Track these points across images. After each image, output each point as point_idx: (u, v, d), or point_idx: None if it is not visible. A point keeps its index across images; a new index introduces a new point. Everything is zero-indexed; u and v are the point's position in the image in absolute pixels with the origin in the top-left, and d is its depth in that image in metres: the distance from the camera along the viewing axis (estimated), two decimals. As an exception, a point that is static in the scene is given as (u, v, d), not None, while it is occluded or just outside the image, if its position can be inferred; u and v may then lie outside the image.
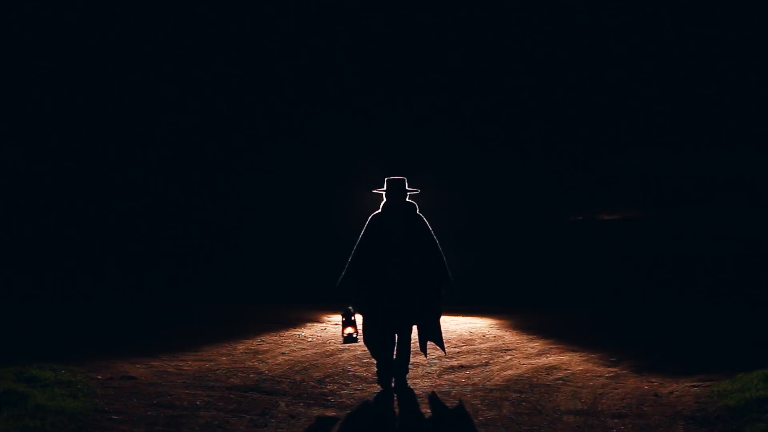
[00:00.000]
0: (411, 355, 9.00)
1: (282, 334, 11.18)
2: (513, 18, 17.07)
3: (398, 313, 8.75)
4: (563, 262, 15.18)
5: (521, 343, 10.69)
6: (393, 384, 8.68)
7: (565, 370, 9.23)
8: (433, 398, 8.02)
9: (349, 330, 11.83)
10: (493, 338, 11.03)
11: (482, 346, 10.50)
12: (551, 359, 9.74)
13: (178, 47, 16.83)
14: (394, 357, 8.89)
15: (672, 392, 8.26)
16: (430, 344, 9.51)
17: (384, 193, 9.02)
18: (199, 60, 16.88)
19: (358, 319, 9.53)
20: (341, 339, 11.66)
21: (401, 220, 8.89)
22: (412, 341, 9.17)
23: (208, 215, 16.59)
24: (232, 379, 8.55)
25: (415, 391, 8.23)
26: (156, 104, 16.80)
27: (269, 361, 9.48)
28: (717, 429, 7.02)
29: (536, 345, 10.55)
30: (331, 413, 7.47)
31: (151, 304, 13.40)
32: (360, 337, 11.48)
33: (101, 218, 16.29)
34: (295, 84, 16.99)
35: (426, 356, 9.12)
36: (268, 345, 10.35)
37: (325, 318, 12.34)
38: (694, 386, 8.42)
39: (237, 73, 17.01)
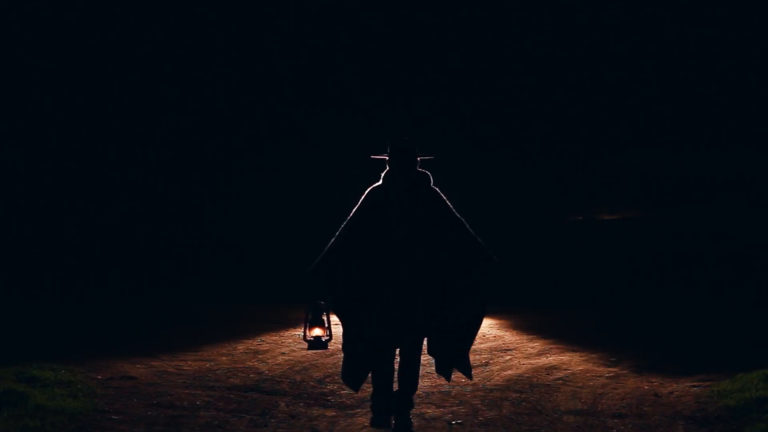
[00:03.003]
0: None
1: (282, 334, 11.18)
2: (513, 18, 17.07)
3: (403, 316, 6.88)
4: (563, 262, 15.18)
5: (521, 343, 10.69)
6: (393, 423, 6.95)
7: (565, 370, 9.23)
8: (433, 398, 8.01)
9: (316, 332, 10.19)
10: (493, 338, 11.03)
11: (482, 346, 10.49)
12: (551, 359, 9.74)
13: (178, 47, 16.83)
14: (394, 383, 7.02)
15: (672, 392, 8.26)
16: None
17: (387, 160, 7.12)
18: (199, 60, 16.88)
19: (334, 320, 8.21)
20: (306, 343, 9.90)
21: (410, 195, 6.99)
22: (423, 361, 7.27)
23: (208, 215, 16.59)
24: (232, 379, 8.55)
25: (417, 391, 8.22)
26: (156, 104, 16.80)
27: (269, 361, 9.48)
28: (717, 429, 7.02)
29: (536, 345, 10.55)
30: (331, 413, 7.47)
31: (151, 304, 13.40)
32: (331, 342, 9.99)
33: (101, 218, 16.29)
34: (295, 84, 16.99)
35: (449, 380, 7.26)
36: (268, 345, 10.35)
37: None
38: (694, 386, 8.42)
39: (237, 73, 17.00)
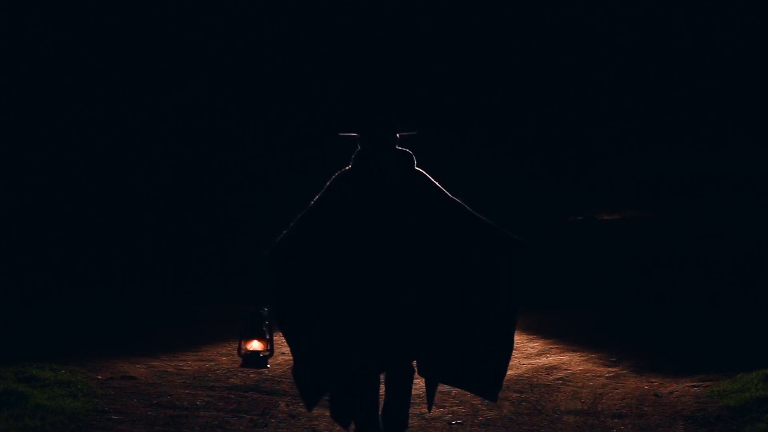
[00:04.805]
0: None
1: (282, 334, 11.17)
2: (512, 17, 17.08)
3: (389, 334, 5.52)
4: (563, 262, 15.16)
5: (521, 343, 10.69)
6: None
7: (565, 370, 9.23)
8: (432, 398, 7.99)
9: (254, 345, 8.79)
10: (493, 338, 11.01)
11: (482, 346, 10.47)
12: (551, 359, 9.74)
13: (179, 46, 16.84)
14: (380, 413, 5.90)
15: (672, 392, 8.26)
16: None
17: (359, 137, 5.72)
18: (201, 59, 16.89)
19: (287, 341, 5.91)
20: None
21: (389, 180, 5.63)
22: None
23: (208, 214, 16.59)
24: (232, 379, 8.54)
25: (415, 391, 8.22)
26: (156, 103, 16.81)
27: (269, 361, 9.46)
28: (717, 429, 7.02)
29: (536, 345, 10.55)
30: (331, 413, 7.45)
31: (151, 304, 13.40)
32: (273, 363, 8.65)
33: (101, 218, 16.29)
34: (295, 83, 17.00)
35: (492, 399, 6.00)
36: (268, 345, 10.33)
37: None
38: (694, 386, 8.42)
39: (238, 73, 17.01)
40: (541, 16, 17.12)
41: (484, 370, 5.78)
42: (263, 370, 8.95)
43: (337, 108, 16.82)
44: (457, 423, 7.21)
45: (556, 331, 11.44)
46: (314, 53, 17.05)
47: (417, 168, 5.80)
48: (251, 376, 8.71)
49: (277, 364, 9.28)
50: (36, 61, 16.57)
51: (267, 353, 8.90)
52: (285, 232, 5.75)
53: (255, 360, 8.80)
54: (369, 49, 17.03)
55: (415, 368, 6.03)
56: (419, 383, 8.42)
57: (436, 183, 5.81)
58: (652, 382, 8.67)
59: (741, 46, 16.78)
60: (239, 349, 8.97)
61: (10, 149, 16.36)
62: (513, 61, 17.09)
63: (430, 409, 6.25)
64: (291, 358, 9.60)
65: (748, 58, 16.77)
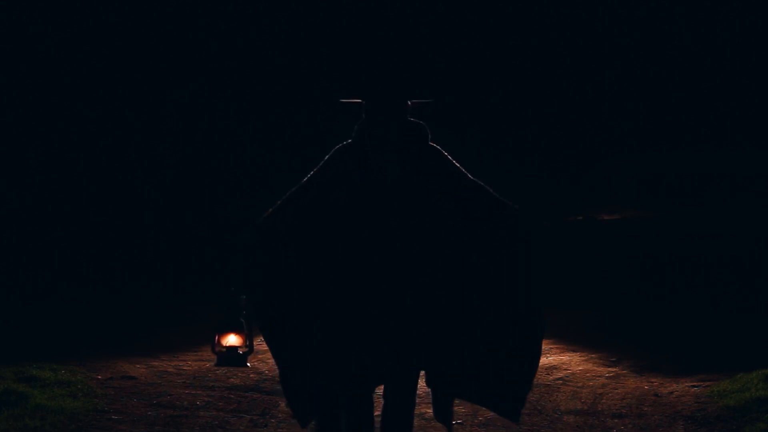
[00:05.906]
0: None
1: (282, 334, 11.15)
2: (512, 17, 17.08)
3: (392, 336, 4.96)
4: (563, 262, 15.15)
5: (521, 343, 10.67)
6: None
7: (565, 370, 9.23)
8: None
9: (230, 340, 8.23)
10: (493, 338, 11.00)
11: (482, 346, 10.46)
12: (551, 359, 9.74)
13: (179, 46, 16.84)
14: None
15: (672, 392, 8.26)
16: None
17: (363, 107, 5.10)
18: (201, 59, 16.89)
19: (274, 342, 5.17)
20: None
21: (398, 156, 4.96)
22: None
23: (209, 215, 16.59)
24: (232, 379, 8.54)
25: (415, 391, 8.20)
26: (156, 103, 16.81)
27: (269, 361, 9.45)
28: (717, 429, 7.02)
29: (536, 345, 10.54)
30: (331, 413, 7.45)
31: (151, 304, 13.40)
32: (251, 358, 8.29)
33: (101, 218, 16.29)
34: (295, 83, 17.00)
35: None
36: (268, 345, 10.33)
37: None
38: (694, 386, 8.42)
39: (238, 73, 17.01)
40: (541, 16, 17.12)
41: (506, 375, 5.17)
42: (264, 370, 8.94)
43: (337, 108, 16.82)
44: (457, 423, 7.21)
45: (556, 331, 11.43)
46: (314, 53, 17.04)
47: (432, 143, 5.14)
48: (251, 376, 8.71)
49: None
50: (36, 61, 16.57)
51: (246, 349, 8.38)
52: (271, 210, 5.02)
53: (233, 357, 8.26)
54: (369, 49, 17.03)
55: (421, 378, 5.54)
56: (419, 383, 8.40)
57: (454, 161, 5.15)
58: (652, 382, 8.67)
59: (741, 46, 16.79)
60: (213, 345, 8.50)
61: (10, 149, 16.35)
62: (513, 61, 17.09)
63: (441, 419, 5.64)
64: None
65: (748, 58, 16.77)
